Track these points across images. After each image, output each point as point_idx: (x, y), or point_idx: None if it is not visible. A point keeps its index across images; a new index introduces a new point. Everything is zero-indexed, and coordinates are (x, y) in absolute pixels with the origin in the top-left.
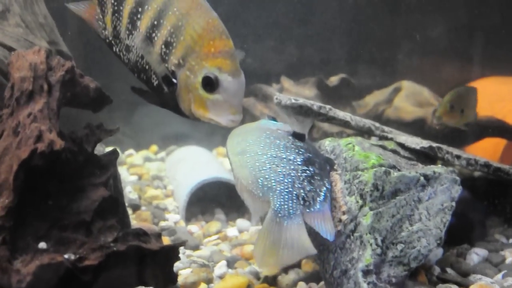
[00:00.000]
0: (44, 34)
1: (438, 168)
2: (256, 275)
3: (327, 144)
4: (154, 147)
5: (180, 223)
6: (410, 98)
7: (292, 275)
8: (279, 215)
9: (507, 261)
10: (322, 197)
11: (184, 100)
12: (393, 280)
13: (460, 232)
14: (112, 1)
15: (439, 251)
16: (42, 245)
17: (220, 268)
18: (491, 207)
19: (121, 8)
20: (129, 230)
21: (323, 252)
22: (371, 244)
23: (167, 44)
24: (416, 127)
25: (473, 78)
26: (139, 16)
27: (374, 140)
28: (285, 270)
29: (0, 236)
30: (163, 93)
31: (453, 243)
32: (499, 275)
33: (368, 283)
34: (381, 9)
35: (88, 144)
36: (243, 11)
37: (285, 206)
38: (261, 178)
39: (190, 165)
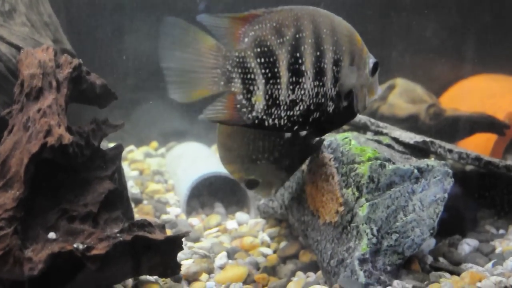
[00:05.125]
0: (49, 33)
1: (431, 161)
2: (256, 265)
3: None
4: (154, 143)
5: (181, 216)
6: (404, 95)
7: (290, 265)
8: None
9: (497, 250)
10: None
11: (361, 99)
12: (388, 268)
13: (452, 223)
14: (263, 71)
15: (432, 242)
16: (52, 235)
17: (221, 259)
18: (482, 199)
19: (275, 70)
20: (134, 221)
21: (320, 243)
22: (367, 234)
23: (337, 62)
24: (410, 123)
25: (465, 76)
26: (300, 61)
27: (369, 135)
28: (284, 260)
29: (11, 226)
30: (339, 113)
31: (445, 234)
32: (489, 264)
33: (364, 271)
34: (375, 8)
35: (94, 138)
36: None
37: None
38: None
39: (190, 160)
